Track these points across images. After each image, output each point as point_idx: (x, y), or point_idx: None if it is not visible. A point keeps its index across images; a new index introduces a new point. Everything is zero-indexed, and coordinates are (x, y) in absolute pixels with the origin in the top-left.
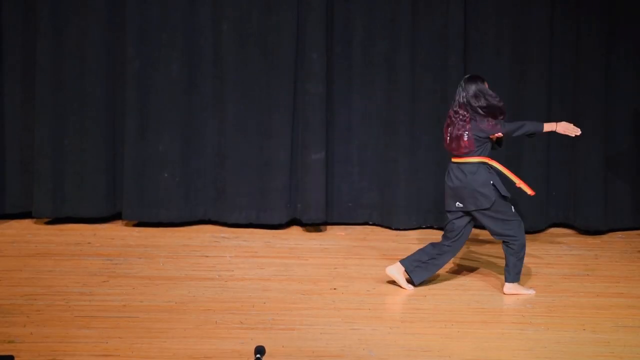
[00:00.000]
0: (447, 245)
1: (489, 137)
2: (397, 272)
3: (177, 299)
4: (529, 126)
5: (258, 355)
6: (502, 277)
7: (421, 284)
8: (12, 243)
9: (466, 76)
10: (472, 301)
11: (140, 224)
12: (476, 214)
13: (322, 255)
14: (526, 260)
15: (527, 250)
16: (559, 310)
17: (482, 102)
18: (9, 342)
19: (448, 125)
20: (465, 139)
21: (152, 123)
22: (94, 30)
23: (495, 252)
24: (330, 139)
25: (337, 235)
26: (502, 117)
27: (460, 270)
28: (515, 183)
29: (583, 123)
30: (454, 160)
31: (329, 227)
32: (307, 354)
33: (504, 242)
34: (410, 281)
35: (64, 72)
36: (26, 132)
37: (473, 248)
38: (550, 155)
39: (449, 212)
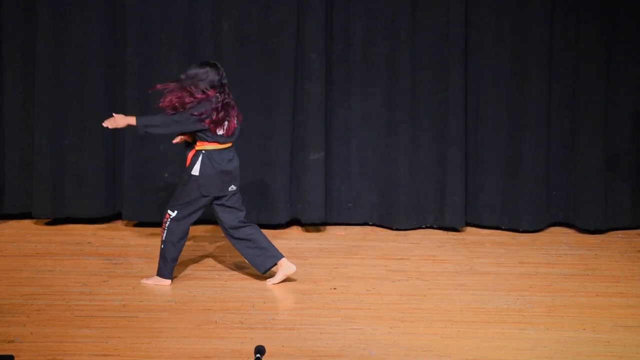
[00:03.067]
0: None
1: None
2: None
3: (177, 299)
4: None
5: (258, 355)
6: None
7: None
8: (12, 243)
9: (211, 61)
10: (472, 301)
11: (140, 224)
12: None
13: (322, 255)
14: (527, 259)
15: (527, 250)
16: (559, 310)
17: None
18: (9, 342)
19: (237, 113)
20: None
21: None
22: (94, 30)
23: (492, 252)
24: (330, 139)
25: (337, 235)
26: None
27: (460, 270)
28: None
29: (583, 123)
30: (230, 145)
31: (328, 227)
32: (307, 354)
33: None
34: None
35: (64, 72)
36: (26, 132)
37: (471, 247)
38: (550, 155)
39: (225, 196)
